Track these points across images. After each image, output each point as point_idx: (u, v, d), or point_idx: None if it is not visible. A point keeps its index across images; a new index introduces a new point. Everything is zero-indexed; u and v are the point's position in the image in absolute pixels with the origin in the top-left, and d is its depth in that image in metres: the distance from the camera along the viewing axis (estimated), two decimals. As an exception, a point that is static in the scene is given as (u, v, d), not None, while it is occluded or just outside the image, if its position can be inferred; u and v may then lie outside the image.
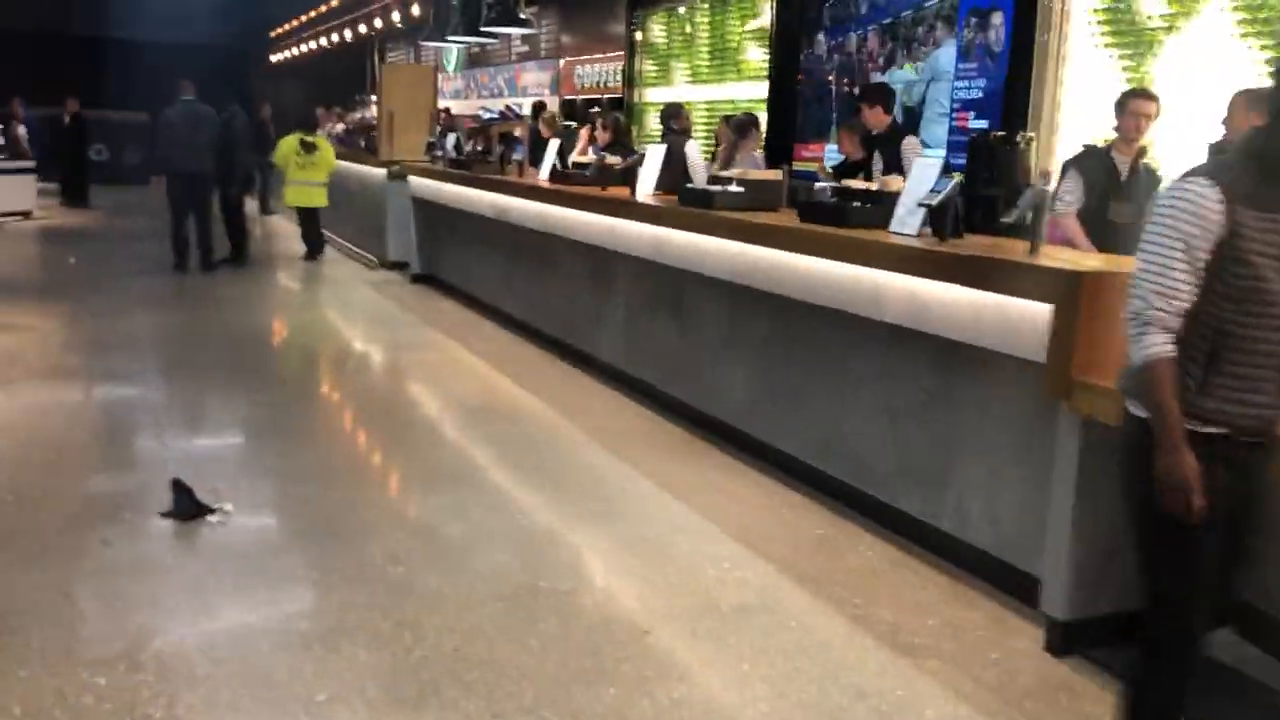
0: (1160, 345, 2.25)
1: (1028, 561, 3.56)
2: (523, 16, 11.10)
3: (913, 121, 7.32)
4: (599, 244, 6.29)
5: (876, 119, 6.00)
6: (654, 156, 6.25)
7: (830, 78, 8.62)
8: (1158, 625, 2.42)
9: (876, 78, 8.00)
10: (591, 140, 9.01)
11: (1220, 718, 2.97)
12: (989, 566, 3.76)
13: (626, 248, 5.94)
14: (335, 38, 20.20)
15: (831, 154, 8.40)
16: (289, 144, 11.50)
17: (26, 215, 14.86)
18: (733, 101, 9.95)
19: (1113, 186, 4.95)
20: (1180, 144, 5.41)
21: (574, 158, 8.23)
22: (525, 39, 14.72)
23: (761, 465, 4.93)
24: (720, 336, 5.31)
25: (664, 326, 5.80)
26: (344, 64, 21.85)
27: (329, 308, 9.69)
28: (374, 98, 17.43)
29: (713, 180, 5.42)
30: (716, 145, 7.86)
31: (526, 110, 12.79)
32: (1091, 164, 5.00)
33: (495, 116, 11.71)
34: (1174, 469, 2.23)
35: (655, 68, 11.60)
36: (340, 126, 15.93)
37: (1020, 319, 3.41)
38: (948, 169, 4.11)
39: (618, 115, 9.18)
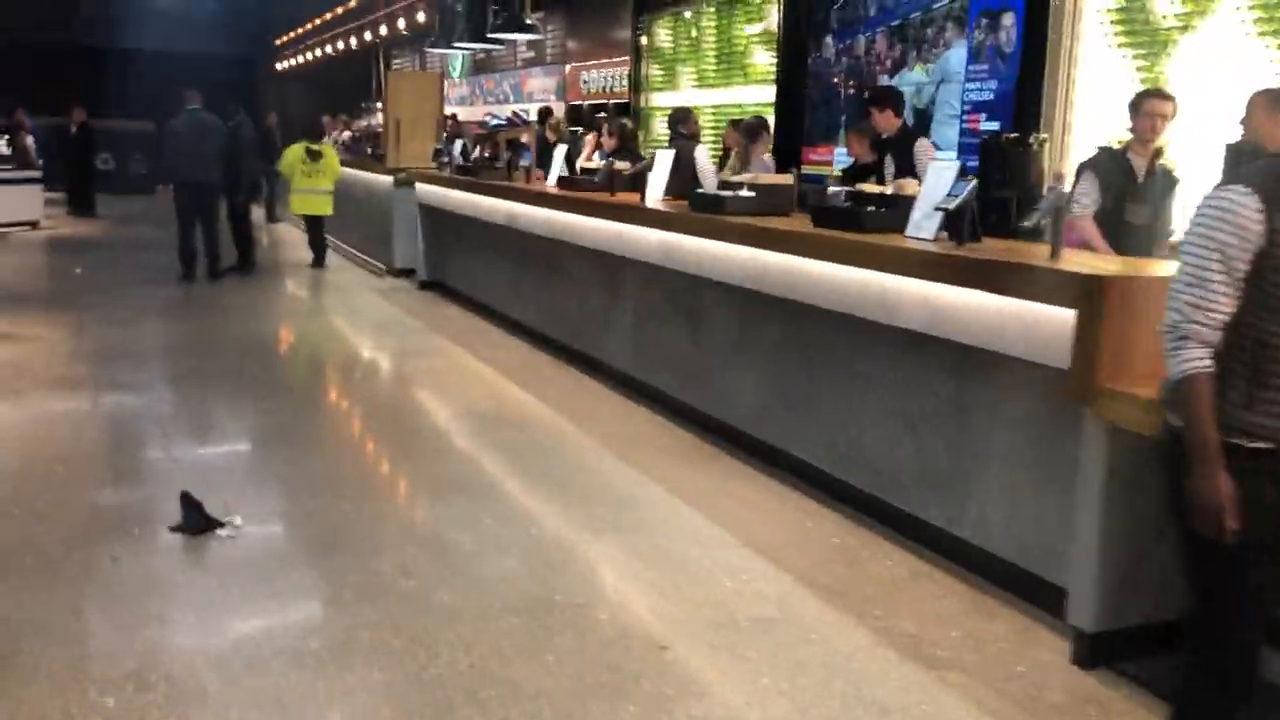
0: (1197, 360, 2.17)
1: (1052, 571, 3.49)
2: (529, 22, 11.04)
3: (923, 124, 7.26)
4: (608, 250, 6.24)
5: (887, 122, 5.94)
6: (663, 161, 6.19)
7: (837, 80, 8.57)
8: (1203, 645, 2.34)
9: (884, 80, 7.94)
10: (598, 146, 8.96)
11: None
12: (1011, 576, 3.69)
13: (636, 253, 5.88)
14: (340, 45, 20.18)
15: (840, 157, 8.34)
16: (295, 152, 11.51)
17: (34, 225, 14.86)
18: (740, 106, 9.89)
19: (1129, 188, 4.88)
20: (1196, 145, 5.34)
21: (580, 163, 8.19)
22: (531, 45, 14.68)
23: (775, 472, 4.87)
24: (732, 342, 5.25)
25: (674, 332, 5.74)
26: (350, 71, 21.85)
27: (336, 315, 9.65)
28: (380, 105, 17.43)
29: (723, 185, 5.36)
30: (725, 151, 7.81)
31: (533, 116, 12.75)
32: (1107, 166, 4.93)
33: (502, 123, 11.67)
34: (1206, 489, 2.16)
35: (661, 72, 11.55)
36: (347, 134, 15.90)
37: (1042, 324, 3.34)
38: (964, 172, 4.03)
39: (624, 121, 9.12)
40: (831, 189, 4.79)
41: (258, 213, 13.56)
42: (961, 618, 3.55)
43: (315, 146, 11.60)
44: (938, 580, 3.84)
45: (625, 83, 12.11)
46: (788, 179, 5.36)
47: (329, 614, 3.45)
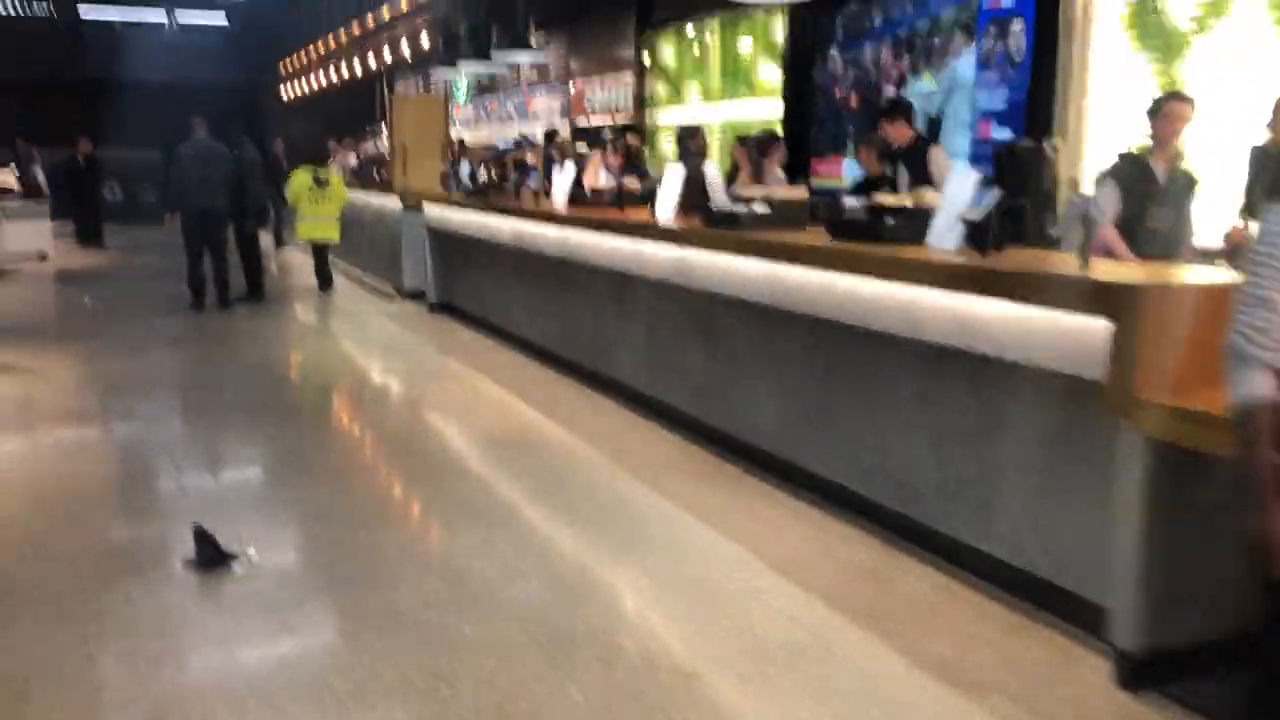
0: (1259, 387, 2.03)
1: (1090, 589, 3.39)
2: (532, 43, 11.03)
3: (933, 133, 7.18)
4: (620, 268, 6.17)
5: (899, 133, 5.87)
6: (673, 178, 6.12)
7: (841, 92, 8.50)
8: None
9: (890, 91, 7.88)
10: (604, 164, 8.90)
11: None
12: (1047, 594, 3.58)
13: (649, 271, 5.81)
14: (345, 70, 20.23)
15: (850, 169, 8.27)
16: (302, 180, 11.50)
17: (43, 257, 14.88)
18: (747, 120, 9.83)
19: (1151, 193, 4.81)
20: (1214, 147, 5.27)
21: (588, 182, 8.13)
22: (534, 65, 14.67)
23: (798, 491, 4.77)
24: (750, 359, 5.17)
25: (691, 349, 5.66)
26: (354, 96, 21.90)
27: (347, 340, 9.59)
28: (385, 129, 17.44)
29: (737, 200, 5.28)
30: (735, 167, 7.74)
31: (539, 138, 12.73)
32: (1128, 172, 4.86)
33: (510, 146, 11.65)
34: (1267, 526, 2.02)
35: (667, 89, 11.50)
36: (353, 159, 15.90)
37: (1075, 335, 3.25)
38: (987, 180, 3.95)
39: (629, 138, 9.07)
40: (848, 201, 4.71)
41: (266, 239, 13.54)
42: (997, 638, 3.45)
43: (322, 174, 11.57)
44: (969, 599, 3.74)
45: (630, 100, 12.08)
46: (801, 192, 5.29)
47: (349, 650, 3.36)
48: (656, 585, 3.88)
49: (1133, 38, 5.98)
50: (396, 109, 12.41)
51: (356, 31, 19.35)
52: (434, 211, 10.00)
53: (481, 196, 9.22)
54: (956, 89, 7.26)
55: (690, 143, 7.28)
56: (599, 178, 8.14)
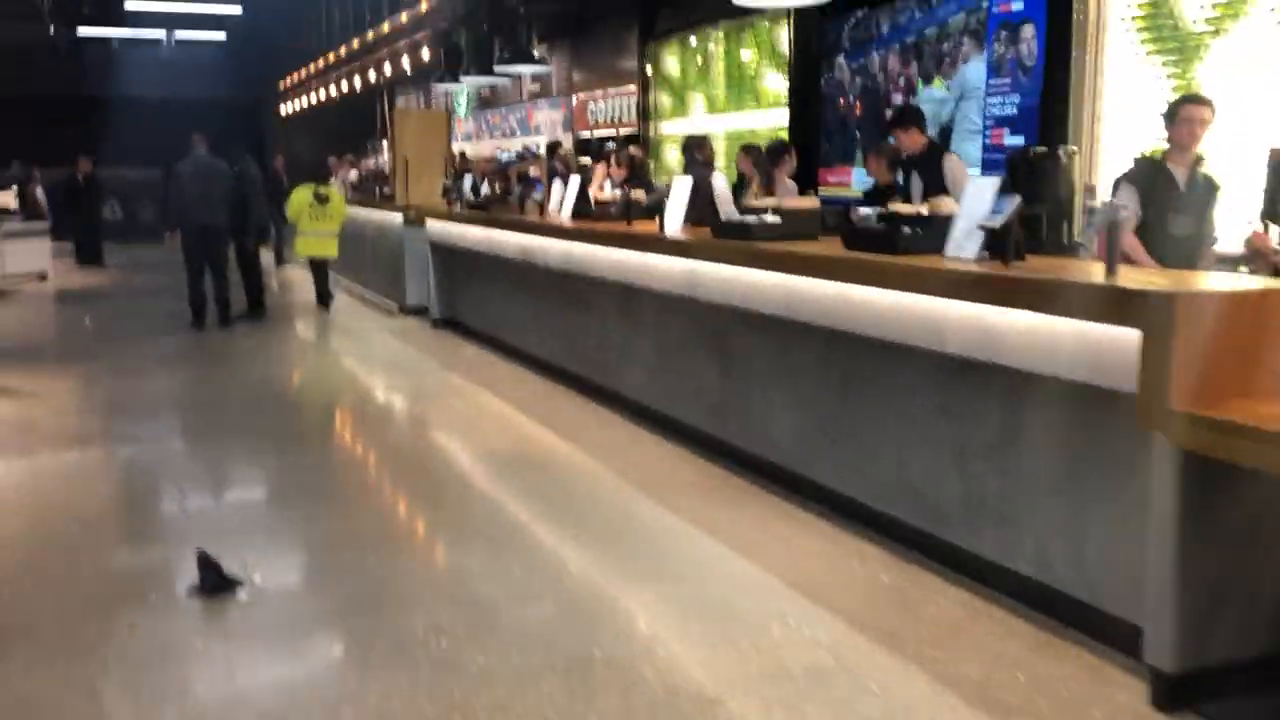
0: None
1: (1123, 607, 3.28)
2: (537, 55, 10.97)
3: (944, 140, 7.10)
4: (628, 281, 6.08)
5: (912, 141, 5.78)
6: (681, 189, 6.03)
7: (845, 100, 8.43)
8: None
9: (898, 99, 7.81)
10: (607, 176, 8.81)
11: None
12: (1076, 613, 3.48)
13: (658, 283, 5.72)
14: (345, 85, 20.20)
15: (859, 179, 8.19)
16: (302, 196, 11.44)
17: (43, 277, 14.81)
18: (753, 130, 9.75)
19: (1171, 199, 4.71)
20: (1233, 150, 5.17)
21: (593, 194, 8.04)
22: (536, 77, 14.62)
23: (817, 509, 4.67)
24: (764, 372, 5.07)
25: (702, 363, 5.56)
26: (354, 111, 21.87)
27: (350, 358, 9.50)
28: (386, 144, 17.40)
29: (747, 210, 5.19)
30: (740, 177, 7.66)
31: (542, 150, 12.67)
32: (1147, 176, 4.77)
33: (513, 159, 11.58)
34: None
35: (671, 99, 11.43)
36: (354, 174, 15.84)
37: (1103, 346, 3.15)
38: (1006, 187, 3.86)
39: (632, 150, 8.99)
40: (862, 210, 4.61)
41: (267, 257, 13.47)
42: (1027, 659, 3.34)
43: (323, 190, 11.54)
44: (997, 619, 3.63)
45: (633, 112, 12.01)
46: (813, 202, 5.19)
47: (360, 680, 3.25)
48: (673, 607, 3.78)
49: (1147, 41, 5.89)
50: (398, 123, 12.33)
51: (356, 46, 19.31)
52: (437, 226, 9.92)
53: (485, 210, 9.14)
54: (967, 96, 7.18)
55: (697, 153, 7.20)
56: (603, 190, 8.06)
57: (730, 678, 3.25)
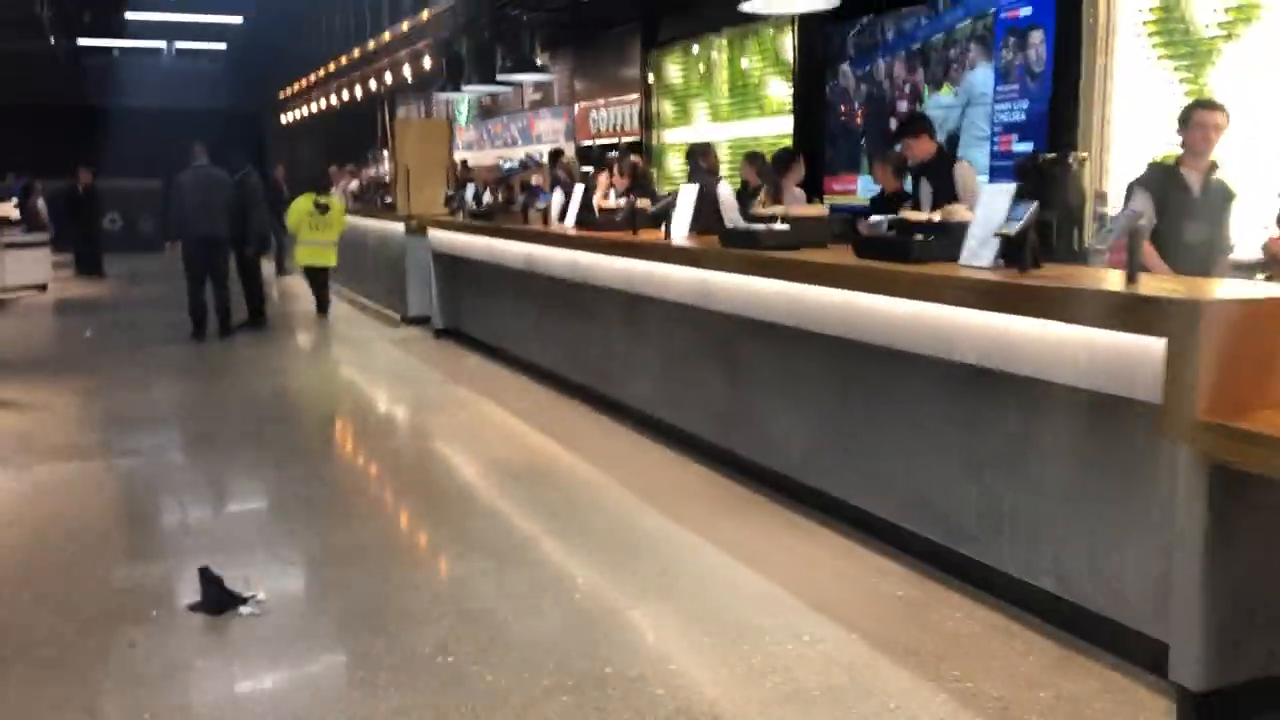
0: None
1: (1147, 623, 3.21)
2: (540, 64, 10.92)
3: (951, 147, 7.03)
4: (634, 290, 6.01)
5: (922, 148, 5.72)
6: (687, 197, 5.97)
7: (846, 107, 8.37)
8: None
9: (904, 106, 7.75)
10: (611, 185, 8.75)
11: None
12: (1098, 628, 3.40)
13: (664, 293, 5.65)
14: (345, 95, 20.14)
15: (864, 187, 8.13)
16: (303, 205, 11.47)
17: (42, 288, 14.75)
18: (756, 138, 9.69)
19: (1185, 205, 4.64)
20: (1247, 156, 5.11)
21: (597, 202, 7.98)
22: (538, 86, 14.57)
23: (828, 521, 4.59)
24: (773, 383, 5.00)
25: (710, 373, 5.49)
26: (355, 121, 21.82)
27: (353, 368, 9.43)
28: (387, 153, 17.34)
29: (754, 218, 5.12)
30: (744, 184, 7.60)
31: (545, 159, 12.62)
32: (1160, 182, 4.70)
33: (516, 167, 11.52)
34: None
35: (674, 108, 11.38)
36: (355, 184, 15.79)
37: (1127, 355, 3.08)
38: (1022, 194, 3.79)
39: (634, 158, 8.93)
40: (873, 218, 4.54)
41: (267, 267, 13.41)
42: (1050, 677, 3.26)
43: (323, 199, 11.60)
44: (1017, 635, 3.55)
45: (636, 120, 11.96)
46: (822, 210, 5.13)
47: (366, 700, 3.17)
48: (683, 621, 3.70)
49: (1158, 45, 5.83)
50: (399, 132, 12.28)
51: (357, 55, 19.26)
52: (439, 235, 9.86)
53: (488, 219, 9.08)
54: (974, 102, 7.12)
55: (701, 160, 7.14)
56: (608, 199, 7.99)
57: (745, 697, 3.17)
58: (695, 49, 10.83)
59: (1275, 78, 5.17)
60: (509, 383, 7.95)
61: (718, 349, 5.41)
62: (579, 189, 7.66)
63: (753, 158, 7.94)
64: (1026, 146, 6.50)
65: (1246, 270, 4.72)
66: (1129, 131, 6.02)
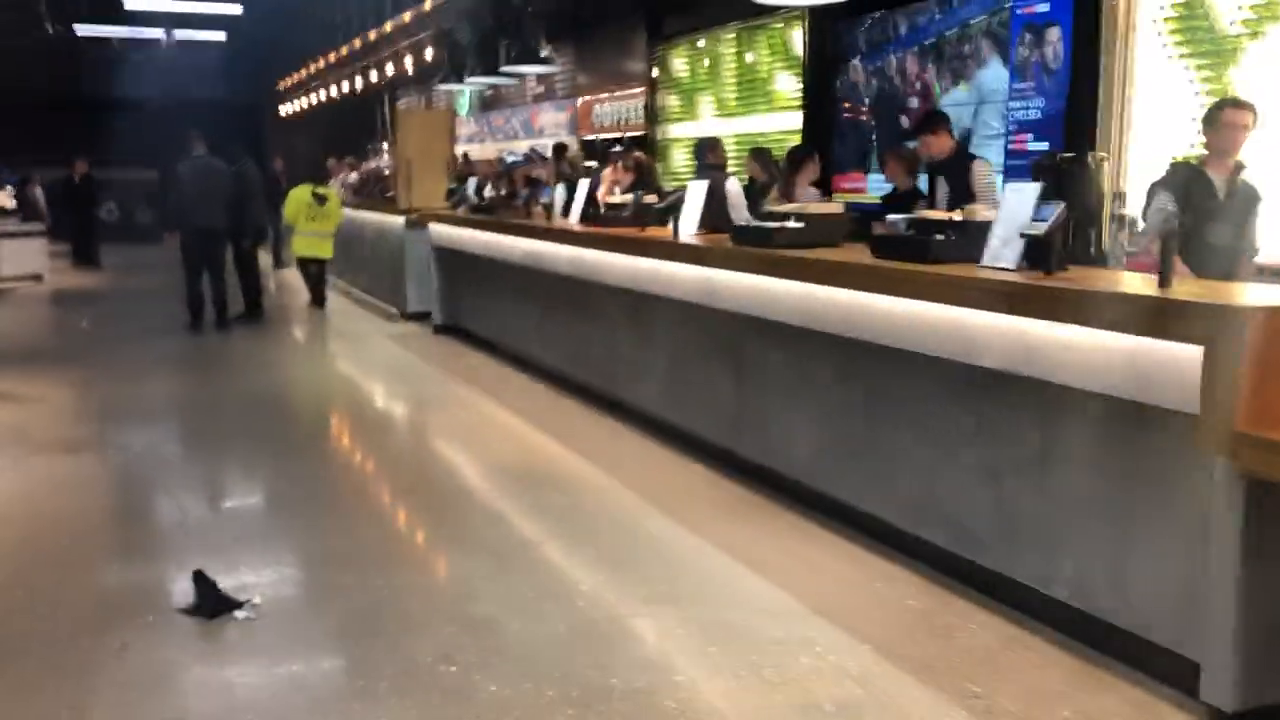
0: None
1: (1173, 639, 3.09)
2: (544, 55, 10.78)
3: (963, 145, 6.91)
4: (640, 288, 5.89)
5: (941, 144, 5.59)
6: (696, 193, 5.85)
7: (851, 103, 8.24)
8: None
9: (914, 102, 7.63)
10: (615, 180, 8.62)
11: None
12: (1120, 643, 3.29)
13: (672, 291, 5.53)
14: (346, 86, 19.99)
15: (875, 185, 8.01)
16: (301, 196, 11.36)
17: (38, 278, 14.63)
18: (763, 134, 9.57)
19: (1210, 206, 4.53)
20: (1270, 158, 4.99)
21: (601, 197, 7.86)
22: (541, 79, 14.44)
23: (837, 527, 4.47)
24: (784, 385, 4.88)
25: (718, 375, 5.36)
26: (355, 113, 21.68)
27: (351, 364, 9.31)
28: (387, 146, 17.19)
29: (767, 215, 5.00)
30: (751, 181, 7.48)
31: (549, 152, 12.47)
32: (1185, 183, 4.58)
33: (520, 160, 11.39)
34: None
35: (679, 102, 11.25)
36: (354, 176, 15.66)
37: (1160, 363, 2.97)
38: (1048, 194, 3.68)
39: (638, 153, 8.80)
40: (890, 216, 4.43)
41: (264, 259, 13.30)
42: (1070, 693, 3.15)
43: (321, 190, 11.49)
44: (1033, 648, 3.44)
45: (640, 114, 11.83)
46: (837, 208, 5.01)
47: (363, 708, 3.06)
48: (691, 631, 3.59)
49: (1180, 44, 5.71)
50: (401, 124, 12.14)
51: (358, 46, 19.09)
52: (440, 229, 9.73)
53: (490, 213, 8.95)
54: (984, 100, 7.00)
55: (709, 155, 7.02)
56: (612, 194, 7.86)
57: (757, 710, 3.07)
58: (701, 43, 10.70)
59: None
60: (510, 381, 7.82)
61: (727, 350, 5.29)
62: (584, 184, 7.53)
63: (758, 153, 7.83)
64: (1042, 145, 6.39)
65: (1272, 275, 4.61)
66: (1148, 131, 5.90)
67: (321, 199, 11.39)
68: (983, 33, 6.94)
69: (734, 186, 6.73)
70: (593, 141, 12.71)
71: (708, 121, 10.60)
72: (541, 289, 7.55)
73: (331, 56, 20.77)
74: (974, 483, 3.82)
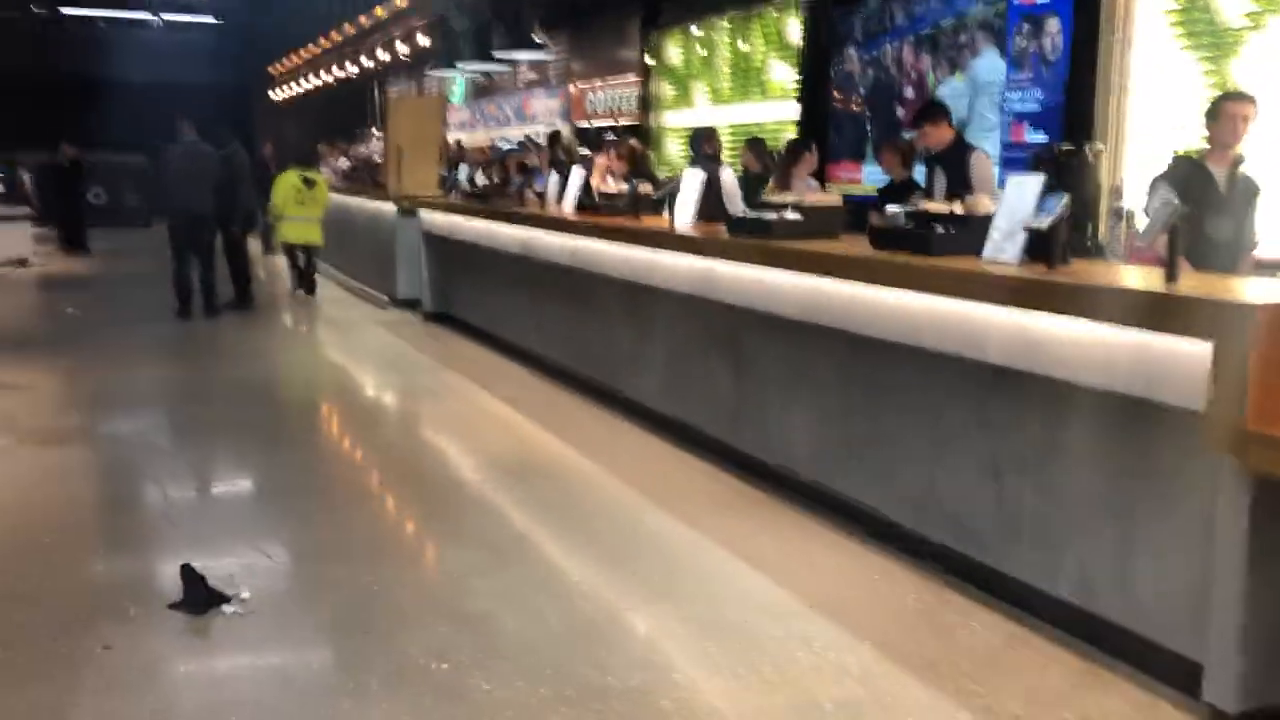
0: None
1: (1176, 639, 3.06)
2: (538, 40, 10.68)
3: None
4: (635, 278, 5.82)
5: (940, 135, 5.53)
6: (692, 182, 5.79)
7: (842, 93, 8.18)
8: None
9: (910, 91, 7.57)
10: (609, 169, 8.55)
11: None
12: (1122, 643, 3.25)
13: (668, 282, 5.47)
14: (337, 71, 19.85)
15: (870, 175, 7.96)
16: (289, 180, 11.25)
17: (23, 263, 14.50)
18: (759, 123, 9.49)
19: (1211, 200, 4.48)
20: (1270, 151, 4.94)
21: (595, 185, 7.80)
22: (534, 66, 14.33)
23: (838, 522, 4.42)
24: (783, 378, 4.82)
25: (716, 367, 5.31)
26: (346, 98, 21.52)
27: (341, 352, 9.23)
28: (377, 132, 17.07)
29: (764, 206, 4.94)
30: (746, 171, 7.42)
31: (543, 139, 12.39)
32: (1185, 176, 4.53)
33: (514, 147, 11.30)
34: None
35: (674, 90, 11.16)
36: (344, 162, 15.54)
37: (1166, 358, 2.92)
38: (1053, 186, 3.63)
39: (631, 141, 8.73)
40: (890, 208, 4.37)
41: (254, 245, 13.18)
42: (1072, 693, 3.12)
43: (310, 175, 11.39)
44: (1036, 648, 3.40)
45: (634, 102, 11.74)
46: (836, 199, 4.95)
47: (354, 707, 3.00)
48: (689, 628, 3.54)
49: (1181, 35, 5.66)
50: (392, 110, 12.04)
51: (351, 31, 18.95)
52: (431, 216, 9.65)
53: (482, 200, 8.87)
54: (979, 91, 6.94)
55: (705, 145, 6.95)
56: (607, 182, 7.80)
57: (756, 709, 3.02)
58: (697, 30, 10.62)
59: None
60: (503, 370, 7.76)
61: (725, 342, 5.23)
62: (577, 171, 7.46)
63: (753, 144, 7.77)
64: (1040, 137, 6.34)
65: (1272, 269, 4.57)
66: (1147, 123, 5.85)
67: (310, 183, 11.31)
68: (978, 23, 6.88)
69: (729, 177, 6.67)
70: (587, 129, 12.62)
71: (702, 110, 10.53)
72: (535, 278, 7.48)
73: (324, 41, 20.62)
74: (976, 479, 3.77)
